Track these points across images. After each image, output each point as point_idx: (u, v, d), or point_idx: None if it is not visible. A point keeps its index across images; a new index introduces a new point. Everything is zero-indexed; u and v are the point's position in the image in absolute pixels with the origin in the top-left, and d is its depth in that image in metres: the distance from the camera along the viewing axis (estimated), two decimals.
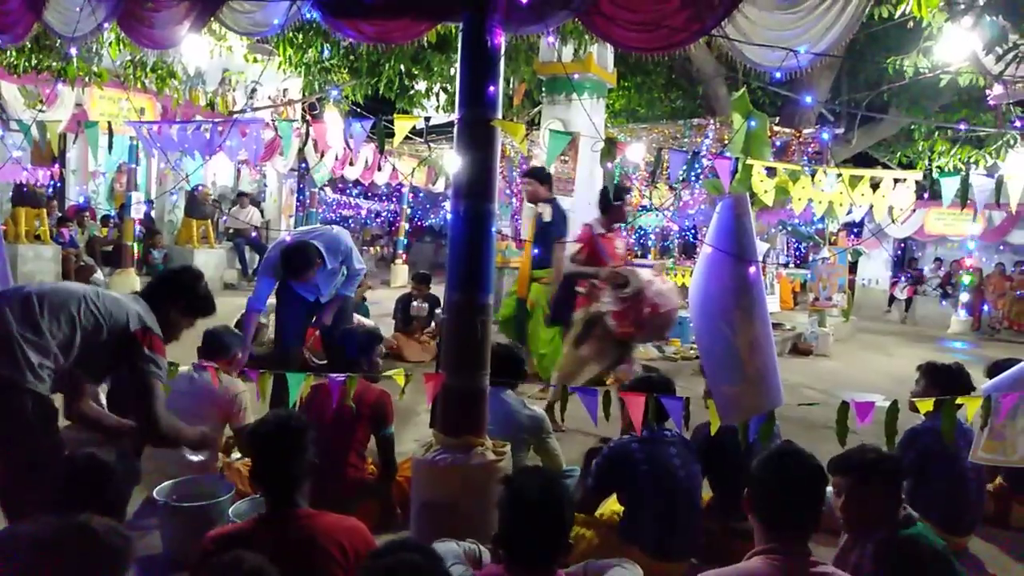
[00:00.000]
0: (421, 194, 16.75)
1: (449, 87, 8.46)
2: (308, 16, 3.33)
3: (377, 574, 1.61)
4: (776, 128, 9.23)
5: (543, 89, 8.48)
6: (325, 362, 5.87)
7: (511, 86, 8.69)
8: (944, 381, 3.35)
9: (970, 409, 2.64)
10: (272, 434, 2.14)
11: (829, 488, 3.48)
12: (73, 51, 4.43)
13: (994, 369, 3.49)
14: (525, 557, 1.89)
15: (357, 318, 6.43)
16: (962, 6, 4.60)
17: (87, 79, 6.69)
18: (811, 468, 2.02)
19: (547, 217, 5.45)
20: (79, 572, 1.53)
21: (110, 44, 5.98)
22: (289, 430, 2.15)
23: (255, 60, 8.41)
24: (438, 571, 1.70)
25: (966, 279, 13.02)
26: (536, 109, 9.61)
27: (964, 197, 2.99)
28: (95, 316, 2.48)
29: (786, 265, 11.67)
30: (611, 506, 3.07)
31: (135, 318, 2.55)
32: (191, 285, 2.82)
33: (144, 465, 3.10)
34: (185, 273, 2.88)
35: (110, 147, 4.17)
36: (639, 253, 14.08)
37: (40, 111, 7.40)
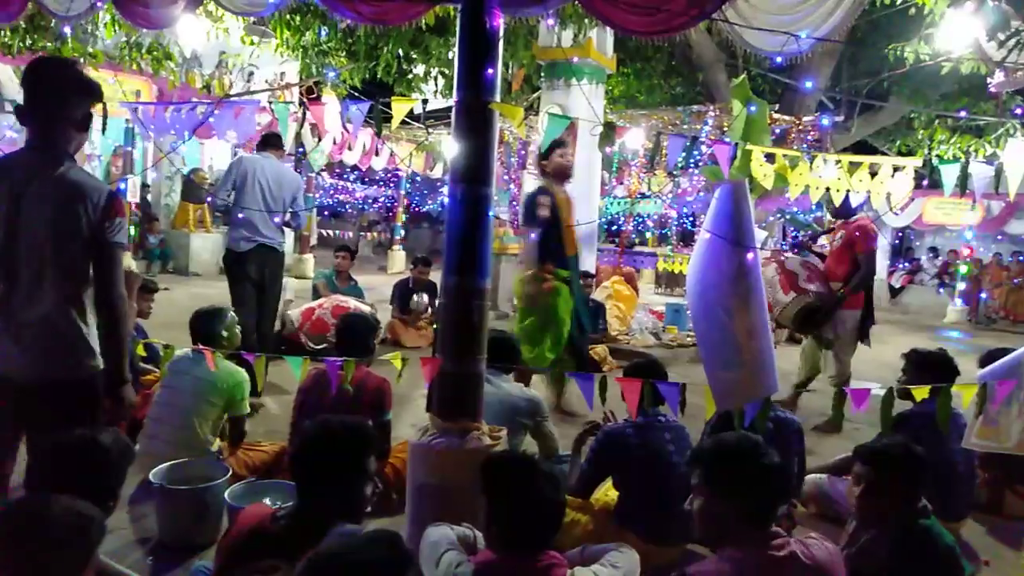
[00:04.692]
0: (419, 179, 16.69)
1: (447, 71, 8.40)
2: None
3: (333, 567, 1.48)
4: (776, 115, 9.19)
5: (542, 74, 8.42)
6: (323, 346, 5.87)
7: (510, 71, 8.62)
8: (930, 368, 3.37)
9: (965, 396, 2.65)
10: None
11: (826, 477, 3.54)
12: (68, 31, 4.39)
13: (987, 359, 3.50)
14: (511, 541, 1.89)
15: (353, 303, 6.42)
16: None
17: (82, 60, 6.62)
18: (780, 464, 1.98)
19: None
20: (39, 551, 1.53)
21: (105, 24, 5.93)
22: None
23: (252, 43, 8.34)
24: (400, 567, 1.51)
25: (963, 268, 13.01)
26: (535, 95, 9.55)
27: (963, 185, 2.99)
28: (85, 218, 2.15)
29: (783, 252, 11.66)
30: (606, 491, 3.08)
31: (105, 193, 2.19)
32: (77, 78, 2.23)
33: (142, 445, 3.13)
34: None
35: (104, 129, 4.13)
36: (636, 240, 14.06)
37: None
